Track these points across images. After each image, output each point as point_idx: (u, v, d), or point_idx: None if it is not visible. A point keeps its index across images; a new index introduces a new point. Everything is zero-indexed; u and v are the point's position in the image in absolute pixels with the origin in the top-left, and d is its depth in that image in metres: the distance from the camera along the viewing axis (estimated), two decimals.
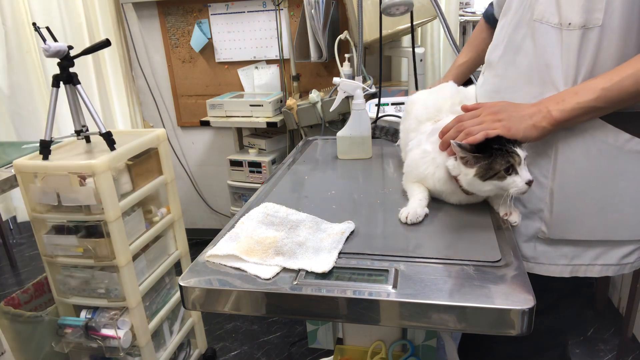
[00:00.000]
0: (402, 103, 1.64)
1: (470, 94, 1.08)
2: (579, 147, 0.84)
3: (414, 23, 1.53)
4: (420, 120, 1.07)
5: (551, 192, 0.88)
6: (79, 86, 1.42)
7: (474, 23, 3.15)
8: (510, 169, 0.81)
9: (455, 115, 0.96)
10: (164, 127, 2.80)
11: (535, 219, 0.92)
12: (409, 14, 1.38)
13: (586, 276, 0.93)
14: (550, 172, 0.88)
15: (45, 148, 1.37)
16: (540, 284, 0.93)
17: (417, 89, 1.59)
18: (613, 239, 0.89)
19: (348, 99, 1.38)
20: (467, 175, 0.84)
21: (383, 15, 1.37)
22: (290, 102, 2.16)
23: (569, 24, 0.80)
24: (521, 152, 0.81)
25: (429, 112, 1.06)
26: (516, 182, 0.82)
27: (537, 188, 0.90)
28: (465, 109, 0.93)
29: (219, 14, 2.52)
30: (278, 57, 2.53)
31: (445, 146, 0.89)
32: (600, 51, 0.79)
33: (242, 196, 2.50)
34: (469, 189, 0.88)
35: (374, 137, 1.39)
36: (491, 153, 0.82)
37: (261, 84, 2.59)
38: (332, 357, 1.32)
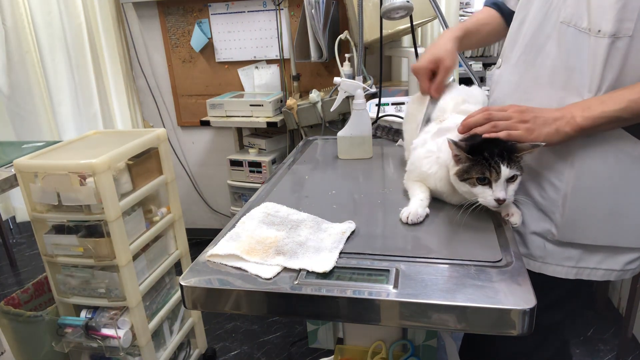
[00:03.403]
0: (402, 103, 1.63)
1: (474, 94, 1.08)
2: (597, 154, 0.85)
3: (414, 23, 1.52)
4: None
5: (565, 196, 0.88)
6: None
7: None
8: (485, 180, 0.83)
9: (458, 115, 0.96)
10: (164, 126, 2.80)
11: (546, 221, 0.93)
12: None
13: (589, 279, 0.94)
14: (565, 176, 0.88)
15: None
16: (545, 281, 0.93)
17: None
18: (619, 245, 0.90)
19: (348, 98, 1.38)
20: (451, 170, 0.87)
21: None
22: (290, 102, 2.16)
23: (599, 30, 0.79)
24: (506, 171, 0.81)
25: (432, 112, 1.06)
26: (485, 194, 0.83)
27: (551, 191, 0.90)
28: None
29: (219, 13, 2.52)
30: (278, 57, 2.53)
31: (465, 129, 0.88)
32: (627, 61, 0.79)
33: (242, 196, 2.50)
34: (453, 183, 0.89)
35: (374, 137, 1.39)
36: (478, 159, 0.83)
37: (261, 83, 2.59)
38: (332, 357, 1.32)
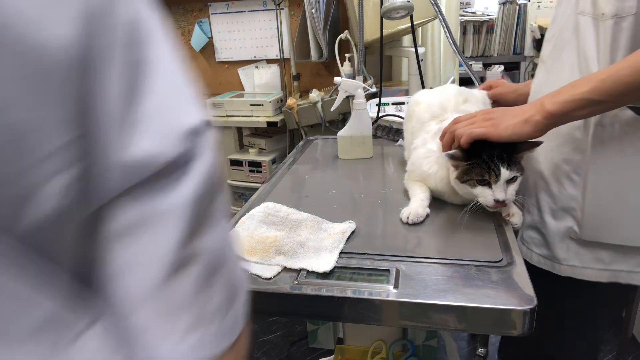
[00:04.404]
0: (403, 103, 1.63)
1: (474, 94, 1.08)
2: (612, 144, 0.79)
3: (415, 23, 1.53)
4: (424, 119, 1.07)
5: (583, 191, 0.84)
6: None
7: (474, 23, 3.16)
8: (485, 182, 0.83)
9: (458, 115, 0.97)
10: None
11: (567, 218, 0.88)
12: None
13: (629, 283, 0.86)
14: (582, 170, 0.83)
15: None
16: (573, 285, 0.88)
17: (423, 88, 1.59)
18: None
19: (349, 98, 1.38)
20: (452, 174, 0.88)
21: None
22: (290, 101, 2.16)
23: (602, 13, 0.76)
24: (505, 172, 0.81)
25: (433, 111, 1.06)
26: (485, 194, 0.83)
27: (570, 186, 0.86)
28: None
29: (220, 13, 2.52)
30: (278, 57, 2.53)
31: (445, 149, 0.89)
32: (635, 41, 0.74)
33: (242, 196, 2.50)
34: (454, 185, 0.89)
35: (374, 136, 1.39)
36: (477, 161, 0.83)
37: (261, 83, 2.59)
38: (333, 357, 1.32)
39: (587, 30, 0.80)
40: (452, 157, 0.85)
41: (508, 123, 0.80)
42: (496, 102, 1.14)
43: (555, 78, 0.87)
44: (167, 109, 0.32)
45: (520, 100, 1.07)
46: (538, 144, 0.82)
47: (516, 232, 0.89)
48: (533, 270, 0.82)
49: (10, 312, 0.28)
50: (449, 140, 0.87)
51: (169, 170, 0.32)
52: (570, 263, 0.89)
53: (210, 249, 0.35)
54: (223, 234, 0.37)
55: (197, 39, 2.56)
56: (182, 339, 0.35)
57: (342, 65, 2.13)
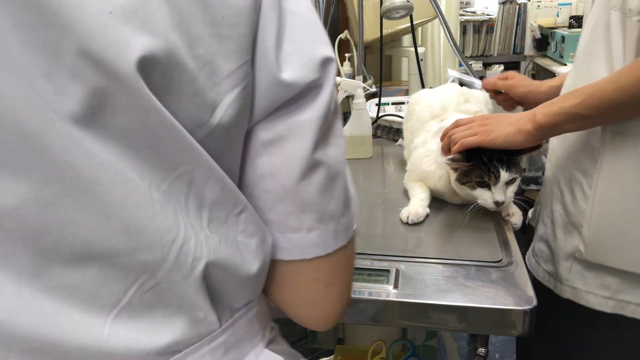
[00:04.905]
0: (403, 103, 1.63)
1: (475, 94, 1.08)
2: (628, 156, 0.72)
3: (415, 23, 1.53)
4: (424, 119, 1.06)
5: (592, 205, 0.77)
6: None
7: (474, 23, 3.16)
8: (485, 183, 0.83)
9: (459, 114, 0.96)
10: None
11: (575, 235, 0.81)
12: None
13: (635, 318, 0.76)
14: (594, 181, 0.76)
15: None
16: (585, 316, 0.81)
17: (423, 88, 1.60)
18: None
19: (348, 98, 1.38)
20: (452, 176, 0.88)
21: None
22: None
23: (630, 9, 0.70)
24: (504, 174, 0.81)
25: (433, 110, 1.05)
26: (485, 196, 0.83)
27: (581, 198, 0.79)
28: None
29: None
30: None
31: (445, 152, 0.89)
32: None
33: None
34: (454, 187, 0.89)
35: (374, 136, 1.39)
36: (477, 163, 0.83)
37: None
38: (332, 357, 1.32)
39: (617, 27, 0.74)
40: (453, 161, 0.85)
41: (501, 131, 0.79)
42: (505, 93, 1.08)
43: (584, 76, 0.81)
44: (306, 44, 0.41)
45: (529, 96, 1.03)
46: (538, 147, 0.82)
47: (516, 232, 0.89)
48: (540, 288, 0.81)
49: (203, 179, 0.38)
50: (447, 144, 0.87)
51: (307, 91, 0.41)
52: (572, 285, 0.82)
53: (332, 158, 0.43)
54: (341, 149, 0.44)
55: None
56: (306, 234, 0.43)
57: (342, 65, 2.13)
